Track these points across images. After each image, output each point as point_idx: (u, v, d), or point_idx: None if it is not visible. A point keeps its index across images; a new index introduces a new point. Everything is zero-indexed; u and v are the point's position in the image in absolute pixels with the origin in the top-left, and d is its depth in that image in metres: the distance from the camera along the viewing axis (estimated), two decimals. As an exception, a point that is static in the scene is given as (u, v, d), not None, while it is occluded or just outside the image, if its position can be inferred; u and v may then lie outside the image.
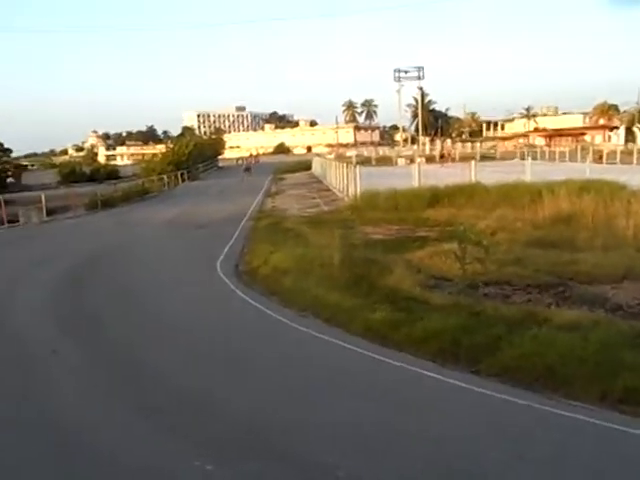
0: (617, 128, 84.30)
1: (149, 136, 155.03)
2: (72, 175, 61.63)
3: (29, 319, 10.45)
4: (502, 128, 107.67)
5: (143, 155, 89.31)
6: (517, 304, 9.03)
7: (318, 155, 60.85)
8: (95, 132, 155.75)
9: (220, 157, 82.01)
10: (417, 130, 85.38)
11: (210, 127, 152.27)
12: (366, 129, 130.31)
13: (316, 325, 8.80)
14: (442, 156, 52.16)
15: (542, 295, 9.58)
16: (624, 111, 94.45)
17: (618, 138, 75.93)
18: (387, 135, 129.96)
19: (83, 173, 64.34)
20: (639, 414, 5.48)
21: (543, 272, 10.79)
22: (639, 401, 5.63)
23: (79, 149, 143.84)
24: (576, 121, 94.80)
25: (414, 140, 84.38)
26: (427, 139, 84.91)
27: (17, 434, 5.82)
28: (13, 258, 18.19)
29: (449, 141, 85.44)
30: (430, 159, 54.23)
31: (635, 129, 77.43)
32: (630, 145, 60.36)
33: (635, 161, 41.51)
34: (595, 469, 4.63)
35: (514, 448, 4.92)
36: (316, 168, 48.80)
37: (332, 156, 60.40)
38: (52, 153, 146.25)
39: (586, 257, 11.57)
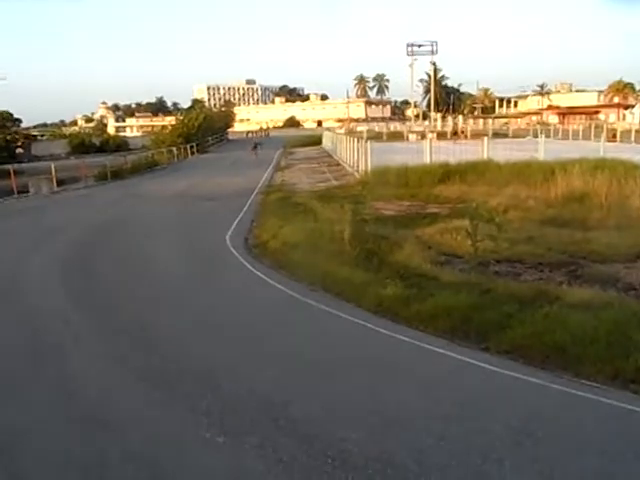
0: (632, 107, 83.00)
1: (159, 108, 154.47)
2: (82, 146, 61.70)
3: (41, 286, 10.53)
4: (515, 105, 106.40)
5: (152, 127, 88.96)
6: (528, 282, 8.96)
7: (328, 130, 60.40)
8: (104, 103, 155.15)
9: (230, 130, 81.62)
10: (429, 106, 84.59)
11: (220, 100, 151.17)
12: (377, 104, 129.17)
13: (326, 299, 8.78)
14: (455, 133, 51.48)
15: (554, 273, 9.50)
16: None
17: (633, 117, 74.77)
18: (398, 110, 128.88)
19: (92, 144, 64.37)
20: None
21: (555, 251, 10.70)
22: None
23: (89, 120, 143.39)
24: (590, 99, 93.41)
25: (425, 116, 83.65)
26: (439, 115, 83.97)
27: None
28: (24, 227, 18.29)
29: (461, 117, 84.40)
30: (441, 135, 53.60)
31: (651, 108, 76.29)
32: (645, 124, 59.51)
33: (650, 140, 40.93)
34: (605, 448, 4.60)
35: (524, 425, 4.90)
36: (326, 143, 48.51)
37: (343, 131, 59.92)
38: (62, 124, 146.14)
39: (599, 236, 11.46)
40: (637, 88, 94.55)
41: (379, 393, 5.64)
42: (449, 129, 62.31)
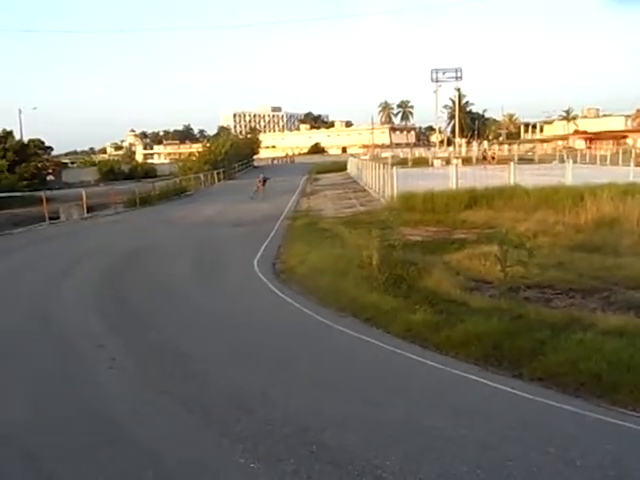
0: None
1: (186, 135, 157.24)
2: (111, 173, 62.87)
3: (74, 310, 10.73)
4: (541, 130, 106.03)
5: (180, 154, 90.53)
6: (560, 308, 8.88)
7: (353, 156, 60.75)
8: (133, 131, 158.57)
9: (255, 157, 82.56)
10: (453, 132, 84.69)
11: (246, 127, 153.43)
12: (402, 130, 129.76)
13: (355, 325, 8.79)
14: (484, 157, 51.20)
15: (586, 300, 9.38)
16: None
17: (661, 141, 73.94)
18: (423, 136, 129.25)
19: (121, 171, 65.56)
20: (688, 423, 5.33)
21: (586, 277, 10.58)
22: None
23: (118, 147, 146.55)
24: (617, 123, 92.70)
25: (450, 142, 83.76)
26: (463, 141, 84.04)
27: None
28: (56, 253, 18.65)
29: (486, 143, 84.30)
30: (466, 161, 53.57)
31: (679, 132, 75.38)
32: (675, 149, 58.76)
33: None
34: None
35: (561, 454, 4.83)
36: (351, 169, 48.79)
37: (367, 157, 60.26)
38: (91, 151, 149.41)
39: (631, 262, 11.31)
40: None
41: (414, 420, 5.61)
42: (474, 154, 62.22)
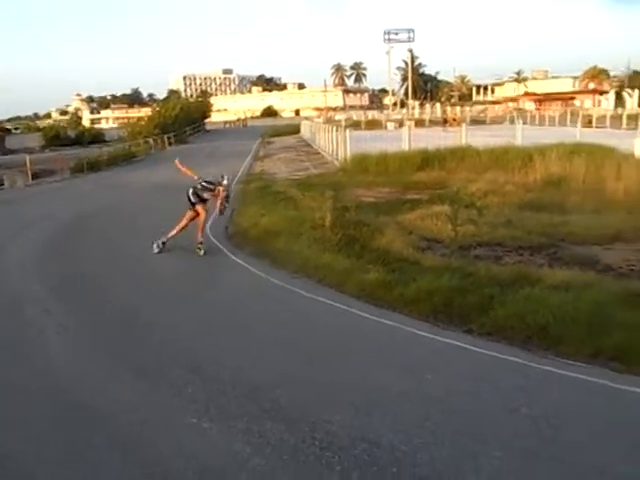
0: (607, 93, 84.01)
1: (134, 99, 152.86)
2: (57, 139, 60.55)
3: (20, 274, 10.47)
4: (492, 92, 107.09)
5: (128, 119, 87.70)
6: (509, 265, 9.05)
7: (307, 119, 60.22)
8: (79, 95, 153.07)
9: (207, 120, 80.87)
10: (406, 94, 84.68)
11: (196, 90, 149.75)
12: (355, 92, 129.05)
13: (308, 285, 8.77)
14: (445, 120, 51.32)
15: (534, 256, 9.62)
16: (614, 76, 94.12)
17: (608, 103, 75.69)
18: (376, 99, 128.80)
19: (68, 137, 63.22)
20: (630, 371, 5.52)
21: (535, 234, 10.83)
22: (630, 359, 5.66)
23: (63, 112, 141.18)
24: (566, 85, 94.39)
25: (403, 104, 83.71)
26: (417, 103, 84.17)
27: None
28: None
29: (439, 105, 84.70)
30: (420, 123, 53.84)
31: (625, 94, 77.23)
32: (619, 110, 60.26)
33: (624, 125, 41.48)
34: (587, 423, 4.68)
35: (508, 404, 4.96)
36: (305, 132, 48.45)
37: (321, 119, 59.82)
38: (36, 117, 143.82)
39: (577, 219, 11.64)
40: (612, 74, 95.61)
41: (365, 377, 5.65)
42: (427, 117, 62.51)
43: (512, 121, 45.37)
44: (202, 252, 11.07)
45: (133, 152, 40.60)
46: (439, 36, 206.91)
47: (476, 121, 53.89)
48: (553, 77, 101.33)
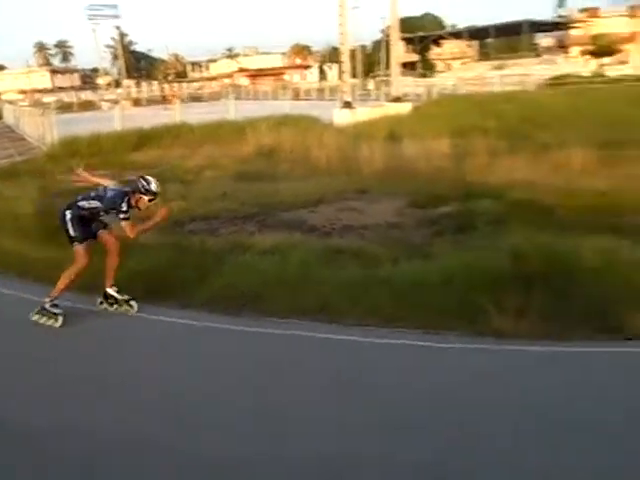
0: (311, 67, 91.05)
1: None
2: None
3: None
4: (207, 69, 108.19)
5: None
6: (224, 236, 9.24)
7: (10, 102, 54.29)
8: None
9: None
10: (120, 73, 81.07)
11: None
12: (64, 73, 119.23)
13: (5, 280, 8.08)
14: (164, 98, 50.55)
15: (246, 225, 9.97)
16: (317, 51, 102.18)
17: (312, 76, 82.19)
18: (89, 79, 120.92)
19: None
20: (335, 321, 6.04)
21: (248, 204, 11.24)
22: (333, 311, 6.18)
23: None
24: (276, 61, 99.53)
25: (119, 83, 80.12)
26: (133, 82, 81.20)
27: None
28: None
29: (156, 83, 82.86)
30: (137, 102, 52.25)
31: (326, 68, 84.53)
32: (323, 82, 65.84)
33: (327, 97, 45.45)
34: (304, 371, 5.13)
35: (218, 366, 5.27)
36: (8, 117, 44.15)
37: (26, 103, 54.57)
38: None
39: (286, 187, 12.39)
40: (313, 50, 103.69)
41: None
42: (144, 95, 60.87)
43: (228, 97, 46.59)
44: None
45: None
46: (147, 13, 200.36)
47: (195, 98, 54.16)
48: (264, 53, 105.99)
